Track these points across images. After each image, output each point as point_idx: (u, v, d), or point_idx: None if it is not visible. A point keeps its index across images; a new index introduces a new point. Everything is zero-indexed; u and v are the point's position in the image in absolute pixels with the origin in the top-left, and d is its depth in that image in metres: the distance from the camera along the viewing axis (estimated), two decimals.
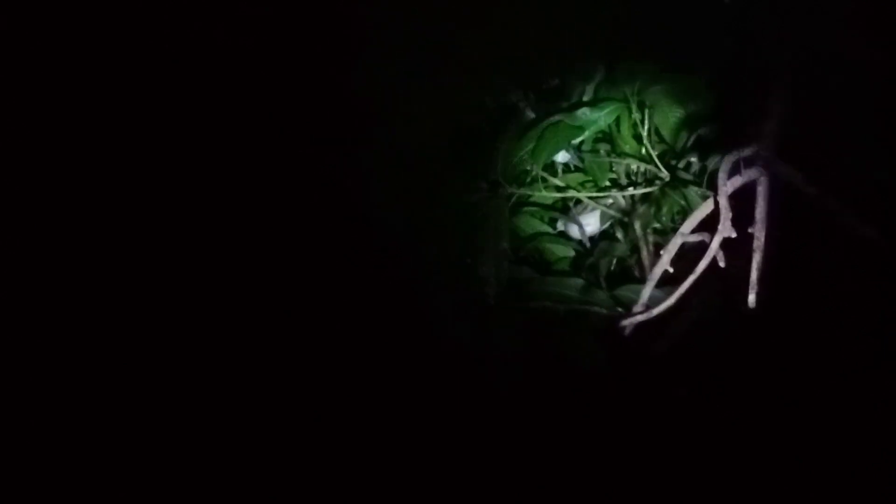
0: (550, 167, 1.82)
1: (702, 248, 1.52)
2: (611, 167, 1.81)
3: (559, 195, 1.80)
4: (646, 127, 1.74)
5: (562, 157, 1.82)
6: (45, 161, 1.86)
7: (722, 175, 1.51)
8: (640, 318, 1.51)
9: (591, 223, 1.81)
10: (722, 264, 1.48)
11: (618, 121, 1.77)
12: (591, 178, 1.81)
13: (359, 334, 1.75)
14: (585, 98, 1.79)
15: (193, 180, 1.86)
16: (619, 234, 1.81)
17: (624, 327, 1.53)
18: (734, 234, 1.47)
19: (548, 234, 1.81)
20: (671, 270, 1.54)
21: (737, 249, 1.49)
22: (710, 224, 1.53)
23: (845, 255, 1.57)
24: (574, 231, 1.81)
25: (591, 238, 1.82)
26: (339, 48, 1.86)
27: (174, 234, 1.85)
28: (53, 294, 1.81)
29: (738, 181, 1.52)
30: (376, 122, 1.82)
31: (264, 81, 1.90)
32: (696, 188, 1.67)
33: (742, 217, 1.50)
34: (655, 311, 1.50)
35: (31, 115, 1.87)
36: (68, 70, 1.89)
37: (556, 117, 1.73)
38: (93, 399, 1.76)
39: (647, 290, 1.54)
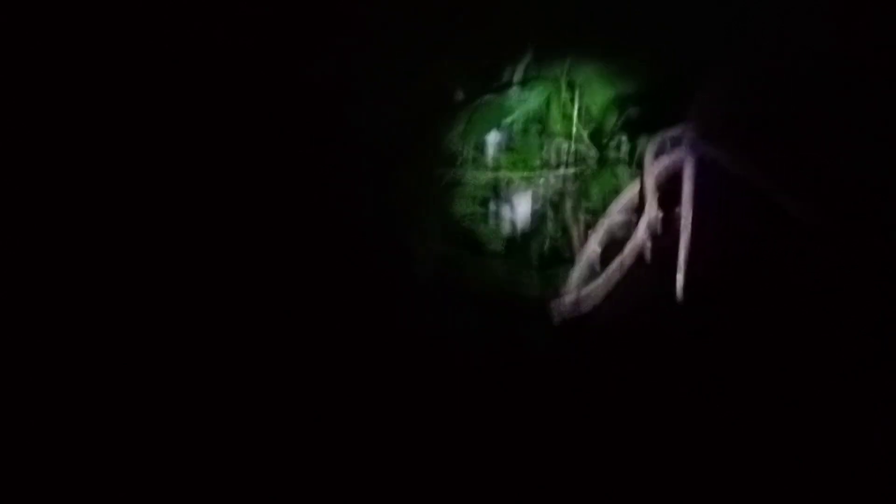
0: (482, 148, 1.81)
1: (630, 227, 1.54)
2: (542, 147, 1.81)
3: (491, 175, 1.79)
4: (576, 107, 1.75)
5: (493, 137, 1.81)
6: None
7: (648, 156, 1.52)
8: (569, 297, 1.52)
9: (523, 204, 1.81)
10: (649, 244, 1.50)
11: (548, 101, 1.77)
12: (521, 159, 1.81)
13: (303, 311, 1.75)
14: (515, 79, 1.78)
15: (153, 175, 1.84)
16: (550, 215, 1.81)
17: (553, 306, 1.54)
18: (661, 214, 1.48)
19: (479, 214, 1.80)
20: (600, 250, 1.55)
21: (665, 229, 1.50)
22: (638, 204, 1.54)
23: (771, 234, 1.58)
24: (505, 211, 1.81)
25: (522, 218, 1.82)
26: (295, 49, 1.85)
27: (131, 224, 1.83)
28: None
29: (665, 161, 1.54)
30: (332, 111, 1.81)
31: (222, 78, 1.88)
32: (625, 168, 1.68)
33: (670, 197, 1.52)
34: (584, 290, 1.52)
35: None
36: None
37: (486, 98, 1.72)
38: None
39: (576, 270, 1.55)
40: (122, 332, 1.78)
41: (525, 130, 1.82)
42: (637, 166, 1.65)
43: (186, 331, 1.77)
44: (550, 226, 1.79)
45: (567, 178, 1.78)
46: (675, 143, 1.56)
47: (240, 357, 1.77)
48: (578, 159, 1.78)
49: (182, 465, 1.72)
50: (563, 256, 1.77)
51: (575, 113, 1.75)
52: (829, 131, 1.54)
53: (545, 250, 1.79)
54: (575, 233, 1.76)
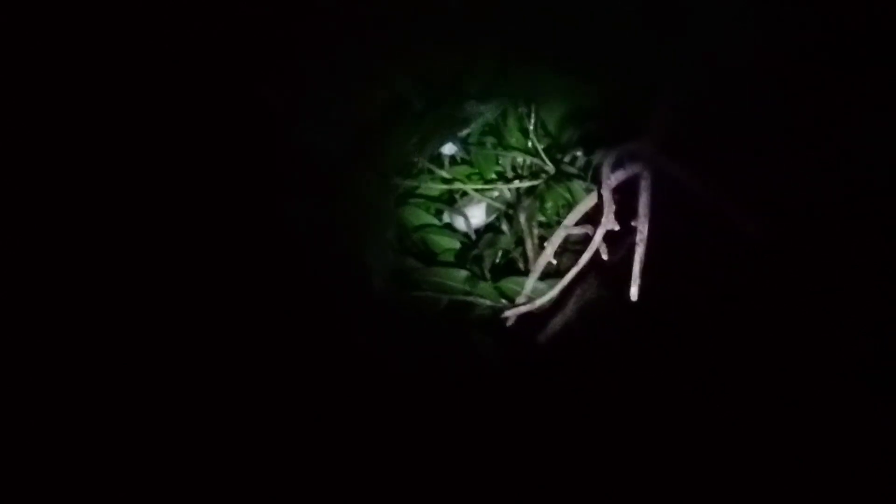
0: (437, 159, 1.82)
1: (585, 240, 1.56)
2: (497, 160, 1.83)
3: (446, 187, 1.80)
4: (532, 121, 1.76)
5: (448, 149, 1.83)
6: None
7: (605, 169, 1.54)
8: (523, 309, 1.53)
9: (477, 215, 1.83)
10: (605, 257, 1.52)
11: (504, 114, 1.79)
12: (477, 171, 1.83)
13: (251, 325, 1.73)
14: (472, 91, 1.79)
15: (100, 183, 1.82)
16: (505, 227, 1.83)
17: (507, 318, 1.55)
18: (617, 227, 1.50)
19: (434, 225, 1.81)
20: (554, 262, 1.56)
21: (620, 242, 1.52)
22: (593, 217, 1.56)
23: (726, 248, 1.61)
24: (460, 223, 1.82)
25: (477, 230, 1.84)
26: (238, 48, 1.83)
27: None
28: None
29: (621, 175, 1.56)
30: (276, 119, 1.81)
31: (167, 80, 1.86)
32: (580, 182, 1.70)
33: (625, 210, 1.54)
34: (538, 302, 1.53)
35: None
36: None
37: (443, 109, 1.73)
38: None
39: (530, 282, 1.56)
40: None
41: (481, 143, 1.83)
42: (593, 180, 1.66)
43: (138, 349, 1.75)
44: (505, 238, 1.80)
45: (522, 190, 1.80)
46: (632, 156, 1.57)
47: (187, 377, 1.75)
48: (534, 172, 1.80)
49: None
50: (516, 268, 1.79)
51: (531, 126, 1.77)
52: (789, 146, 1.58)
53: (499, 262, 1.80)
54: (529, 245, 1.77)
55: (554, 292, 1.52)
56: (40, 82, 1.84)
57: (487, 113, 1.75)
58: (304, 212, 1.78)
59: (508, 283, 1.72)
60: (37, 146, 1.83)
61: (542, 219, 1.78)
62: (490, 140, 1.82)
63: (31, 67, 1.84)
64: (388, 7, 1.80)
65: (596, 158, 1.69)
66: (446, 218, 1.85)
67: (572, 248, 1.60)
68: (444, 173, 1.81)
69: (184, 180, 1.82)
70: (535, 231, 1.78)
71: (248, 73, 1.83)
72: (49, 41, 1.84)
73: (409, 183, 1.77)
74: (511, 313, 1.55)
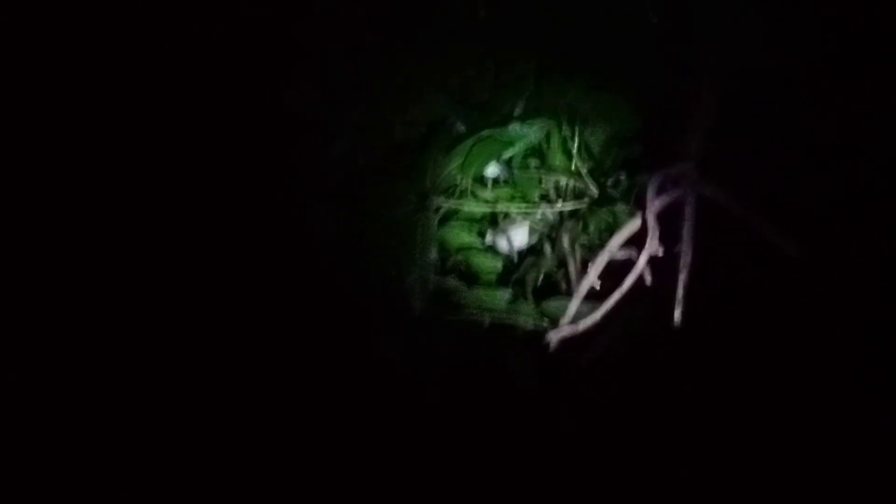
0: (480, 181, 1.82)
1: (628, 264, 1.54)
2: (540, 182, 1.82)
3: (488, 208, 1.80)
4: (576, 143, 1.76)
5: (491, 171, 1.82)
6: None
7: (650, 193, 1.53)
8: (566, 331, 1.52)
9: (519, 237, 1.82)
10: (648, 281, 1.50)
11: (548, 136, 1.79)
12: (520, 193, 1.82)
13: (289, 345, 1.74)
14: (516, 113, 1.79)
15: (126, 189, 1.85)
16: (547, 249, 1.82)
17: (550, 340, 1.54)
18: (661, 252, 1.49)
19: (476, 247, 1.80)
20: (598, 285, 1.55)
21: (663, 266, 1.51)
22: (637, 241, 1.55)
23: (769, 271, 1.59)
24: (502, 245, 1.82)
25: (519, 252, 1.83)
26: (273, 62, 1.85)
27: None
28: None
29: (665, 199, 1.55)
30: (311, 135, 1.82)
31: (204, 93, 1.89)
32: (623, 205, 1.68)
33: (669, 234, 1.53)
34: (582, 324, 1.52)
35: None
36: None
37: (486, 132, 1.73)
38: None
39: (574, 305, 1.55)
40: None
41: (524, 165, 1.83)
42: (636, 204, 1.65)
43: (146, 354, 1.77)
44: (547, 260, 1.80)
45: (565, 213, 1.79)
46: (676, 181, 1.56)
47: (210, 391, 1.76)
48: (577, 195, 1.79)
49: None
50: (558, 290, 1.78)
51: (575, 149, 1.76)
52: (829, 172, 1.56)
53: (541, 284, 1.79)
54: (572, 267, 1.76)
55: (597, 315, 1.51)
56: (59, 85, 1.88)
57: (531, 135, 1.74)
58: (337, 226, 1.79)
59: (550, 306, 1.71)
60: (64, 149, 1.86)
61: (585, 241, 1.76)
62: (533, 162, 1.82)
63: (55, 70, 1.88)
64: (429, 26, 1.81)
65: (639, 182, 1.68)
66: (488, 239, 1.84)
67: (615, 271, 1.58)
68: (486, 195, 1.80)
69: (214, 192, 1.83)
70: (578, 254, 1.77)
71: (281, 84, 1.85)
72: (72, 45, 1.87)
73: (452, 204, 1.76)
74: (553, 336, 1.54)
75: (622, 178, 1.76)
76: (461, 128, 1.79)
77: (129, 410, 1.73)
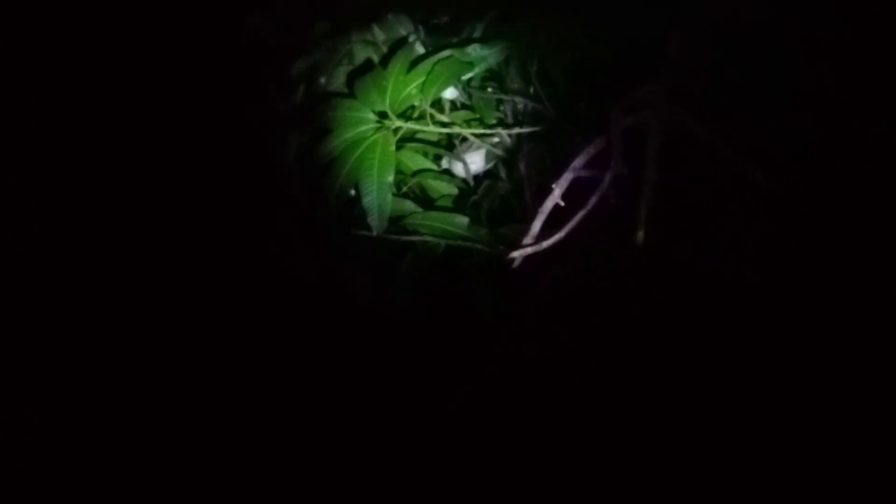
0: (438, 103, 1.81)
1: (591, 184, 1.55)
2: (498, 105, 1.81)
3: (445, 131, 1.79)
4: (534, 67, 1.75)
5: (450, 93, 1.81)
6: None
7: (616, 113, 1.53)
8: (529, 250, 1.52)
9: (476, 161, 1.81)
10: (612, 201, 1.51)
11: (507, 60, 1.77)
12: (477, 116, 1.81)
13: (252, 270, 1.73)
14: (476, 34, 1.77)
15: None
16: (503, 174, 1.82)
17: (512, 259, 1.54)
18: (625, 171, 1.49)
19: (432, 170, 1.79)
20: (562, 204, 1.55)
21: (626, 187, 1.52)
22: (599, 162, 1.55)
23: (731, 196, 1.61)
24: (459, 169, 1.81)
25: (476, 176, 1.82)
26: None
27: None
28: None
29: (631, 121, 1.55)
30: (271, 56, 1.78)
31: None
32: (586, 128, 1.68)
33: (634, 156, 1.53)
34: (546, 243, 1.52)
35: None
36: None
37: (447, 52, 1.71)
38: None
39: (537, 224, 1.55)
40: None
41: (482, 88, 1.82)
42: (598, 127, 1.65)
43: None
44: (503, 184, 1.80)
45: (522, 137, 1.79)
46: (642, 103, 1.56)
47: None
48: (535, 119, 1.78)
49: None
50: (514, 215, 1.78)
51: (534, 73, 1.75)
52: (801, 97, 1.58)
53: (497, 207, 1.79)
54: (528, 192, 1.76)
55: (560, 234, 1.51)
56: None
57: (490, 57, 1.73)
58: (297, 147, 1.77)
59: (506, 230, 1.71)
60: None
61: (543, 165, 1.76)
62: (492, 85, 1.81)
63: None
64: None
65: (604, 105, 1.68)
66: (445, 163, 1.83)
67: (576, 192, 1.58)
68: (444, 118, 1.79)
69: (175, 118, 1.81)
70: (535, 178, 1.76)
71: (242, 6, 1.82)
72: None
73: (410, 126, 1.74)
74: (517, 254, 1.54)
75: (583, 104, 1.75)
76: (420, 49, 1.77)
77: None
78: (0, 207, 1.79)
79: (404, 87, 1.71)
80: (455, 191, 1.80)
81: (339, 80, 1.79)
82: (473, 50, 1.72)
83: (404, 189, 1.78)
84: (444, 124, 1.79)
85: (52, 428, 1.71)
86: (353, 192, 1.69)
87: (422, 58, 1.73)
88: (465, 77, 1.76)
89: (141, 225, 1.79)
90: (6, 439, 1.66)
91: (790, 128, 1.56)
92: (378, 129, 1.70)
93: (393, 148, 1.69)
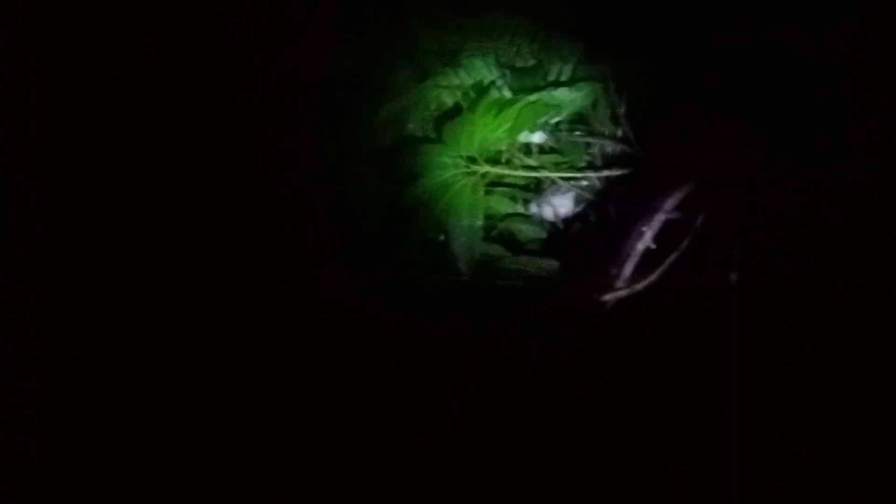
0: (525, 147, 1.80)
1: (683, 227, 1.53)
2: (586, 148, 1.80)
3: (533, 175, 1.78)
4: (622, 109, 1.74)
5: (537, 137, 1.81)
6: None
7: (702, 154, 1.51)
8: (622, 293, 1.51)
9: (565, 205, 1.80)
10: (703, 243, 1.49)
11: (594, 102, 1.77)
12: (565, 160, 1.80)
13: (332, 310, 1.73)
14: (562, 78, 1.77)
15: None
16: (593, 216, 1.80)
17: (605, 302, 1.52)
18: (716, 214, 1.47)
19: (521, 214, 1.79)
20: (654, 247, 1.53)
21: (718, 229, 1.49)
22: (690, 204, 1.53)
23: (816, 236, 1.57)
24: (547, 212, 1.80)
25: (565, 219, 1.81)
26: (318, 23, 1.85)
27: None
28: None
29: (715, 161, 1.53)
30: (354, 100, 1.81)
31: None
32: (674, 169, 1.66)
33: (723, 197, 1.51)
34: (639, 286, 1.50)
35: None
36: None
37: (533, 96, 1.72)
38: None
39: (629, 267, 1.53)
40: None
41: (569, 131, 1.81)
42: (686, 167, 1.63)
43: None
44: (593, 227, 1.78)
45: (611, 179, 1.77)
46: (725, 143, 1.55)
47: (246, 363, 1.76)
48: (623, 161, 1.77)
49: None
50: (605, 257, 1.75)
51: (622, 114, 1.74)
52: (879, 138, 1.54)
53: (588, 251, 1.77)
54: (619, 234, 1.74)
55: (653, 277, 1.49)
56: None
57: (578, 100, 1.73)
58: (384, 191, 1.78)
59: (597, 273, 1.69)
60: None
61: (634, 207, 1.74)
62: (579, 128, 1.80)
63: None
64: None
65: (689, 146, 1.66)
66: (533, 207, 1.82)
67: (670, 233, 1.56)
68: (531, 161, 1.78)
69: (263, 157, 1.83)
70: (625, 220, 1.74)
71: (329, 50, 1.84)
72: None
73: (498, 170, 1.74)
74: (611, 297, 1.52)
75: (670, 143, 1.73)
76: (508, 93, 1.78)
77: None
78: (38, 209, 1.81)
79: (492, 131, 1.71)
80: (544, 234, 1.79)
81: (426, 124, 1.80)
82: (560, 93, 1.72)
83: (493, 233, 1.77)
84: (531, 168, 1.78)
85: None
86: (441, 236, 1.69)
87: (508, 102, 1.73)
88: (553, 120, 1.75)
89: (210, 257, 1.80)
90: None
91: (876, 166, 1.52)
92: (466, 173, 1.71)
93: (481, 192, 1.69)
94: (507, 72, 1.80)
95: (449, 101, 1.80)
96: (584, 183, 1.80)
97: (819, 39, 1.62)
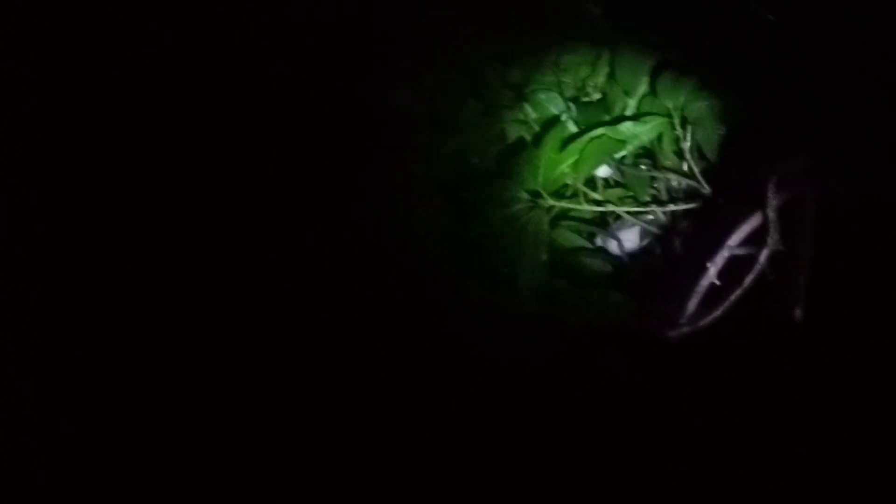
0: (591, 181, 1.81)
1: (748, 262, 1.51)
2: (651, 183, 1.80)
3: (599, 209, 1.78)
4: (688, 142, 1.73)
5: (602, 171, 1.81)
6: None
7: (770, 189, 1.50)
8: (687, 329, 1.50)
9: (631, 239, 1.80)
10: (770, 278, 1.48)
11: (660, 136, 1.76)
12: (631, 194, 1.80)
13: (395, 344, 1.74)
14: (628, 112, 1.77)
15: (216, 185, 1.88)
16: (658, 251, 1.79)
17: (670, 338, 1.52)
18: (783, 248, 1.46)
19: (586, 248, 1.79)
20: (718, 283, 1.52)
21: (784, 263, 1.48)
22: (756, 238, 1.52)
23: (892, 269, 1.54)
24: (613, 246, 1.80)
25: (630, 254, 1.80)
26: (382, 56, 1.87)
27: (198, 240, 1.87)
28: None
29: (784, 195, 1.52)
30: (418, 133, 1.82)
31: (308, 92, 1.91)
32: (741, 203, 1.65)
33: (789, 231, 1.49)
34: (703, 322, 1.49)
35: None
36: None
37: (599, 130, 1.72)
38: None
39: (693, 302, 1.53)
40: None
41: (635, 165, 1.81)
42: (755, 201, 1.62)
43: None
44: (659, 261, 1.77)
45: (677, 213, 1.77)
46: (796, 177, 1.53)
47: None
48: (689, 195, 1.76)
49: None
50: (672, 292, 1.75)
51: (687, 148, 1.74)
52: None
53: (653, 285, 1.76)
54: (685, 268, 1.73)
55: (718, 313, 1.48)
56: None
57: (643, 134, 1.73)
58: (449, 225, 1.79)
59: (663, 307, 1.68)
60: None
61: (699, 242, 1.73)
62: (645, 162, 1.80)
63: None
64: (542, 24, 1.81)
65: (756, 179, 1.65)
66: (599, 241, 1.82)
67: (733, 269, 1.55)
68: (597, 195, 1.79)
69: (308, 191, 1.85)
70: (691, 255, 1.74)
71: (393, 83, 1.86)
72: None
73: (563, 204, 1.74)
74: (674, 334, 1.51)
75: (737, 176, 1.72)
76: (573, 127, 1.78)
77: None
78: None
79: (557, 165, 1.72)
80: (609, 268, 1.78)
81: (490, 159, 1.81)
82: (625, 127, 1.72)
83: (559, 267, 1.77)
84: (597, 202, 1.79)
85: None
86: (507, 270, 1.70)
87: (574, 136, 1.74)
88: (618, 155, 1.75)
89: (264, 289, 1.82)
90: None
91: None
92: (531, 208, 1.71)
93: (547, 227, 1.69)
94: (573, 106, 1.81)
95: (514, 135, 1.81)
96: (650, 217, 1.79)
97: None
